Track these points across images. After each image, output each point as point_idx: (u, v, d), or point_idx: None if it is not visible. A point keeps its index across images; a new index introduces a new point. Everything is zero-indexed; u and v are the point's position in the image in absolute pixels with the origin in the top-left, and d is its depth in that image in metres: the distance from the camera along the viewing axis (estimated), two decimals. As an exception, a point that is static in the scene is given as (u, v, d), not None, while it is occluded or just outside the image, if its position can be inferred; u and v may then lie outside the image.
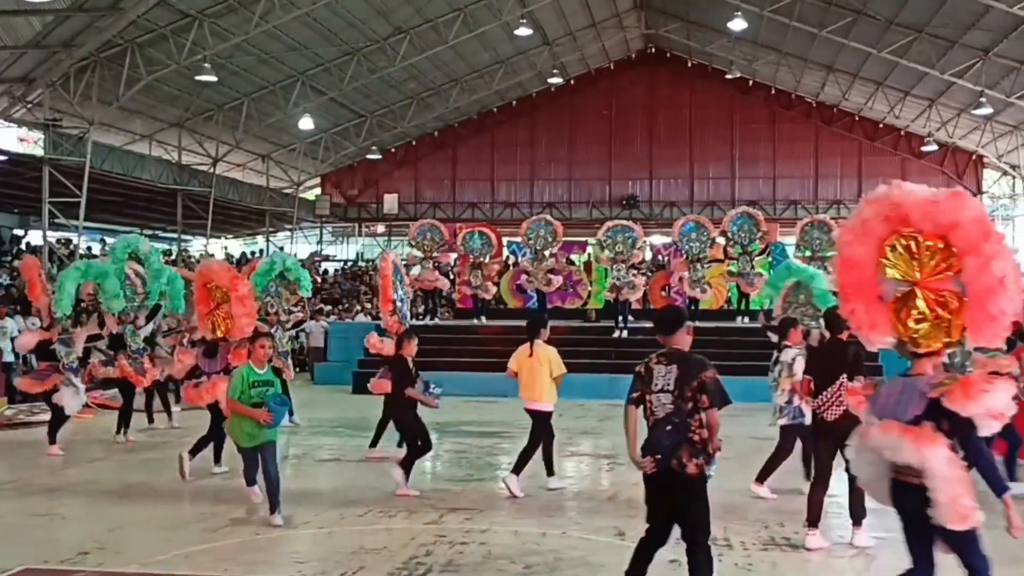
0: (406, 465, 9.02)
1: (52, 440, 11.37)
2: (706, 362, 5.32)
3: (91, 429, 13.34)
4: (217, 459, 10.01)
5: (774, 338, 9.86)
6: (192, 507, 8.74)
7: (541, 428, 9.08)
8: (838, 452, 6.58)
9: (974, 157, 36.83)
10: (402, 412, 9.31)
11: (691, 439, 5.19)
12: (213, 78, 25.00)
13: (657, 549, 5.50)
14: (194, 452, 9.84)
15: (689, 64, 38.27)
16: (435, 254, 20.58)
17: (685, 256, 19.87)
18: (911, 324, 4.75)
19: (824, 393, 7.25)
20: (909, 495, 4.59)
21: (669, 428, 5.20)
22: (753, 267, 19.68)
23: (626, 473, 10.23)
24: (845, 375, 7.14)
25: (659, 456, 5.21)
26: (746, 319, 19.76)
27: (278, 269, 13.83)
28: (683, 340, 5.48)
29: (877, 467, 4.80)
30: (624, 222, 20.66)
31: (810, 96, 37.51)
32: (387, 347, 11.25)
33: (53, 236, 26.51)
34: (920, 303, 4.71)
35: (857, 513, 7.16)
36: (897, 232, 4.73)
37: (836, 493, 7.72)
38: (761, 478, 8.97)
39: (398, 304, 11.62)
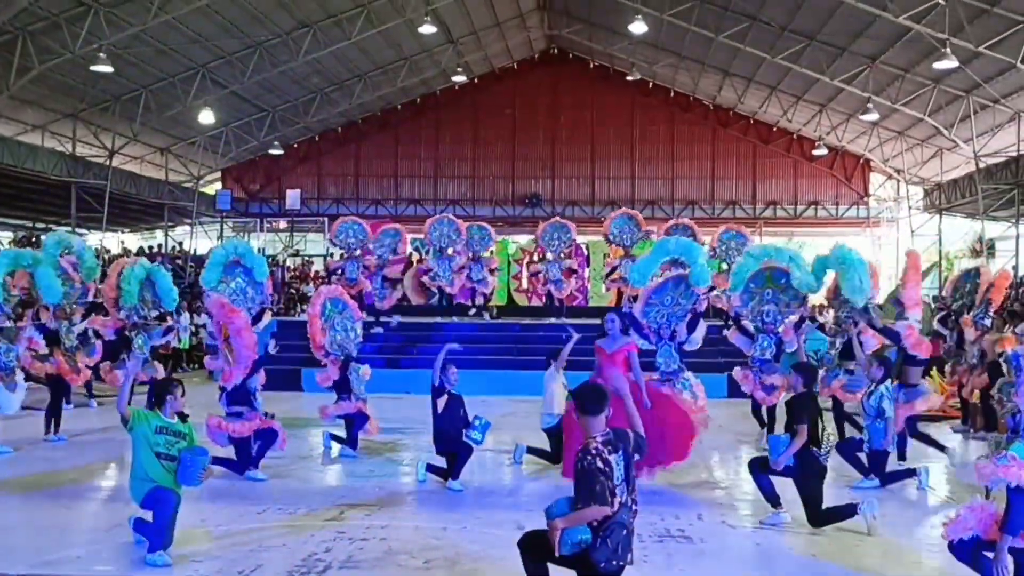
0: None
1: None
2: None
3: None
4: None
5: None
6: (86, 507, 8.63)
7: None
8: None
9: (862, 161, 38.24)
10: None
11: None
12: (109, 69, 24.31)
13: None
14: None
15: (591, 65, 38.81)
16: (356, 253, 19.59)
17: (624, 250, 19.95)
18: None
19: None
20: None
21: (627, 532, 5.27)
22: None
23: (527, 466, 10.48)
24: None
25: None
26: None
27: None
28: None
29: None
30: (563, 221, 20.91)
31: (707, 99, 38.41)
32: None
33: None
34: None
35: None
36: None
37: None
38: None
39: (335, 340, 11.37)
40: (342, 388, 11.25)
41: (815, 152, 37.01)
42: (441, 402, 9.48)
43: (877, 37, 25.63)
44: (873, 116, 29.91)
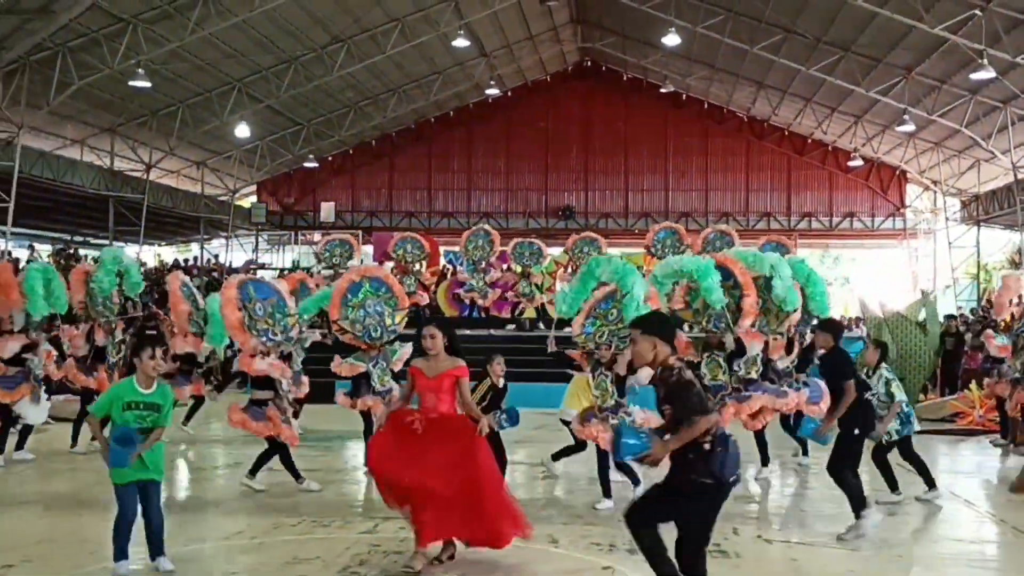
0: None
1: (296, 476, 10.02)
2: None
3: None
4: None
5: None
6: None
7: None
8: None
9: (898, 172, 37.87)
10: None
11: None
12: (147, 84, 24.69)
13: None
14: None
15: (624, 78, 38.77)
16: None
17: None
18: None
19: None
20: None
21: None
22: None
23: (560, 482, 10.44)
24: None
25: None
26: None
27: None
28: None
29: None
30: (593, 235, 20.88)
31: (741, 111, 38.23)
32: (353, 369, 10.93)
33: (-21, 242, 25.94)
34: None
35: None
36: None
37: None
38: None
39: (360, 321, 10.75)
40: (361, 377, 10.87)
41: (850, 164, 36.71)
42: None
43: (913, 48, 25.41)
44: (909, 127, 29.63)
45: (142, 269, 23.66)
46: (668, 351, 5.14)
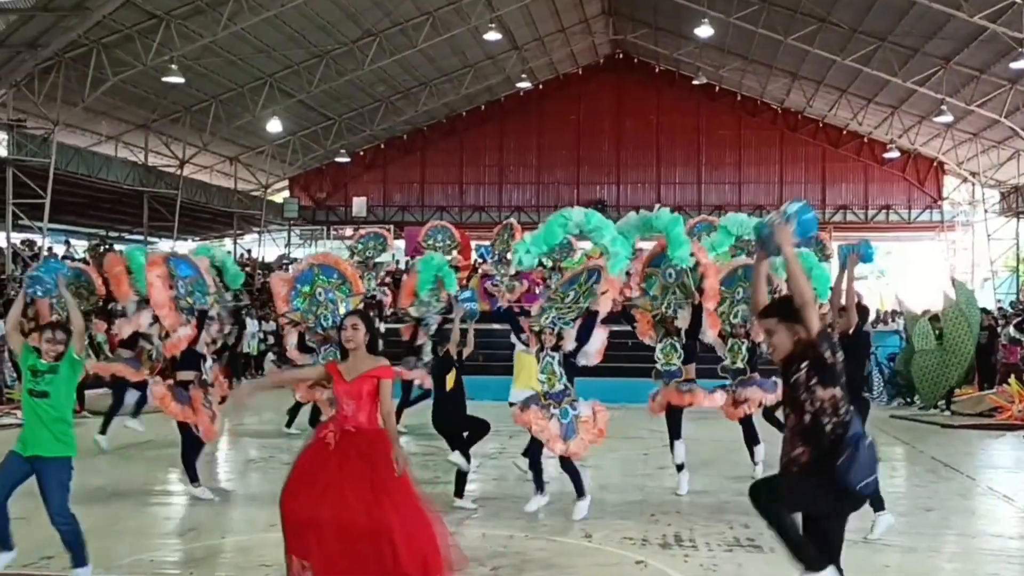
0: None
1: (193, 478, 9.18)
2: None
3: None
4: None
5: None
6: (159, 511, 8.74)
7: None
8: None
9: (935, 164, 37.36)
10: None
11: None
12: (180, 79, 24.86)
13: None
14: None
15: (656, 70, 38.53)
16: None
17: None
18: None
19: None
20: None
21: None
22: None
23: (594, 476, 10.36)
24: None
25: None
26: None
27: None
28: None
29: None
30: (709, 217, 20.64)
31: (775, 103, 37.89)
32: None
33: (17, 237, 26.21)
34: None
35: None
36: None
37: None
38: None
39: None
40: (410, 352, 11.73)
41: (887, 155, 36.29)
42: (451, 377, 8.76)
43: (951, 37, 25.05)
44: (947, 118, 29.23)
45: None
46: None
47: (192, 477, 9.06)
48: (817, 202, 38.22)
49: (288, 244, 40.72)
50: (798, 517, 4.58)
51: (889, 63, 27.78)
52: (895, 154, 35.98)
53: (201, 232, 39.04)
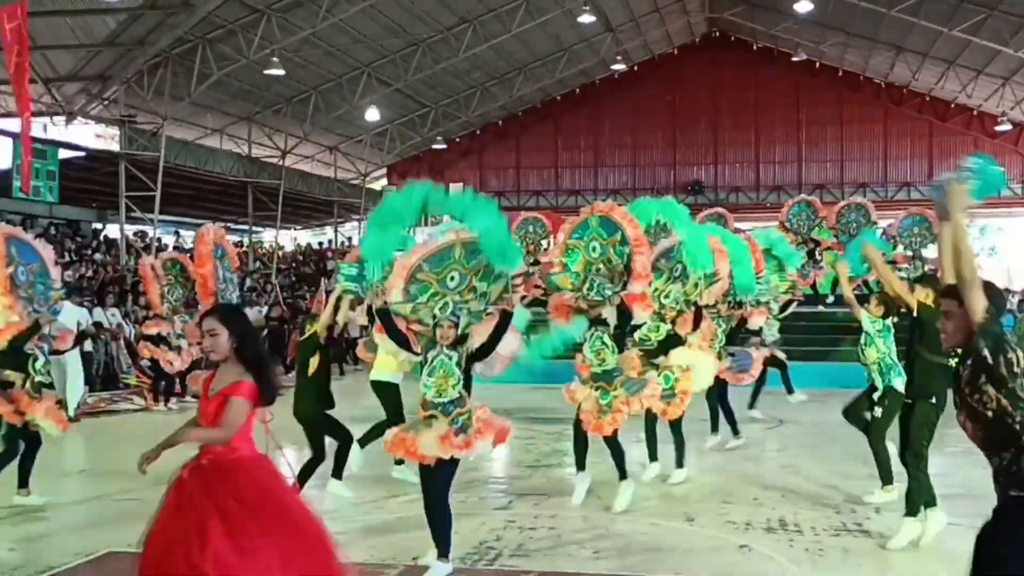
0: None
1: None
2: None
3: (163, 418, 13.72)
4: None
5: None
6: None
7: None
8: None
9: (1050, 136, 35.91)
10: None
11: None
12: (281, 72, 25.46)
13: None
14: None
15: (754, 48, 37.81)
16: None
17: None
18: None
19: None
20: None
21: None
22: (815, 259, 19.20)
23: (697, 461, 10.27)
24: None
25: None
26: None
27: None
28: None
29: None
30: (721, 211, 20.32)
31: (878, 77, 36.82)
32: None
33: (130, 229, 27.23)
34: None
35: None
36: None
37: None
38: None
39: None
40: None
41: (997, 128, 34.93)
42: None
43: (1066, 4, 24.03)
44: (1062, 88, 28.08)
45: (280, 253, 24.27)
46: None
47: (23, 480, 8.26)
48: (923, 179, 37.09)
49: (387, 231, 41.17)
50: None
51: (1000, 32, 26.73)
52: (1007, 127, 34.63)
53: (302, 221, 39.93)
